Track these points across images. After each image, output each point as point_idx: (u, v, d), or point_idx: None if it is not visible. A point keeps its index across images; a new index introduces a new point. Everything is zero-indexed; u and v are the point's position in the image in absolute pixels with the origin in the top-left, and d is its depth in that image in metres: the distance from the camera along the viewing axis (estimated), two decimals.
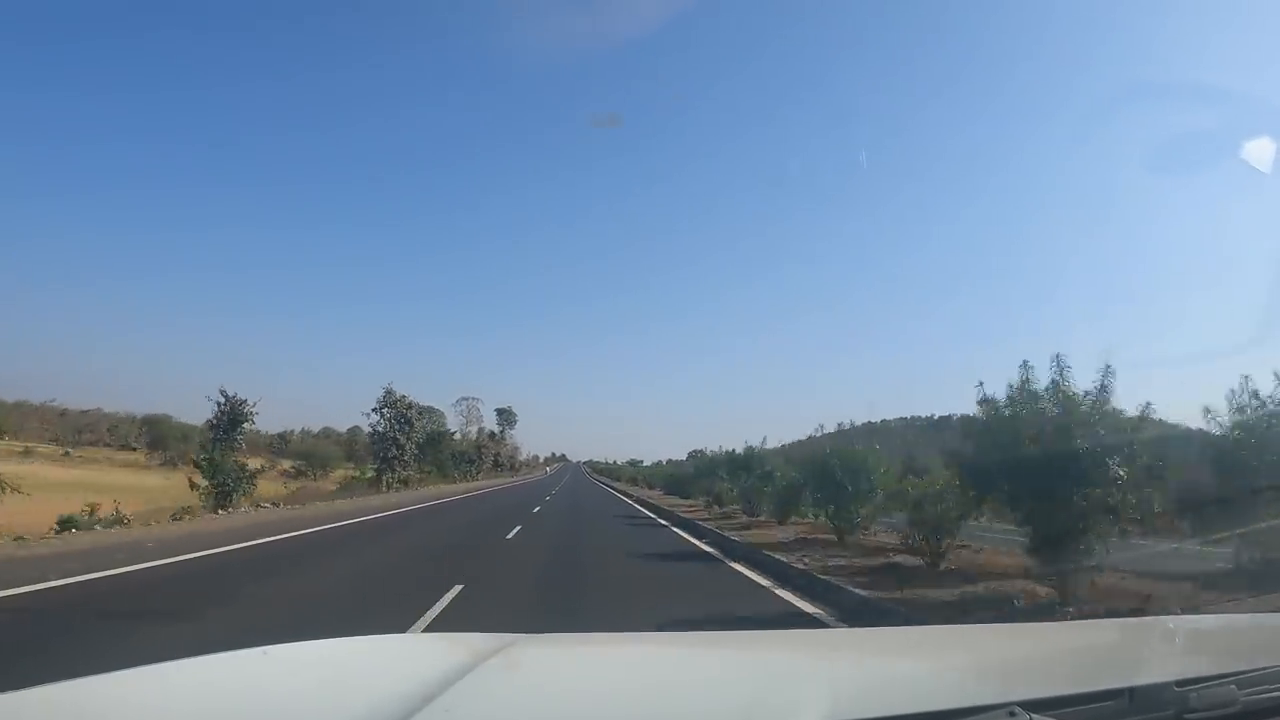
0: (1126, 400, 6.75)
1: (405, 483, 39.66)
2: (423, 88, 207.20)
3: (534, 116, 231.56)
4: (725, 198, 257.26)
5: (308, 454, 69.53)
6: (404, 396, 39.16)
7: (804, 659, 1.78)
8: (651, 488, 49.51)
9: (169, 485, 24.93)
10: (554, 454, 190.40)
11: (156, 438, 74.22)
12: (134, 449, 74.69)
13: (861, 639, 2.96)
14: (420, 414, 39.19)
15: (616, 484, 64.10)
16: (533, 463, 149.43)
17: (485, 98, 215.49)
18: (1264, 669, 1.27)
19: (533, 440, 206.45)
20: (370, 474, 41.45)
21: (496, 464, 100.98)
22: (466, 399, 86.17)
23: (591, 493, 44.55)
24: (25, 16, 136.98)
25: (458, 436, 79.66)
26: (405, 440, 38.21)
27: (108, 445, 77.37)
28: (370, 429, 38.97)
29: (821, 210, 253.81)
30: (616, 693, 1.31)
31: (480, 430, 74.10)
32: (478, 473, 69.43)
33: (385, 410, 39.14)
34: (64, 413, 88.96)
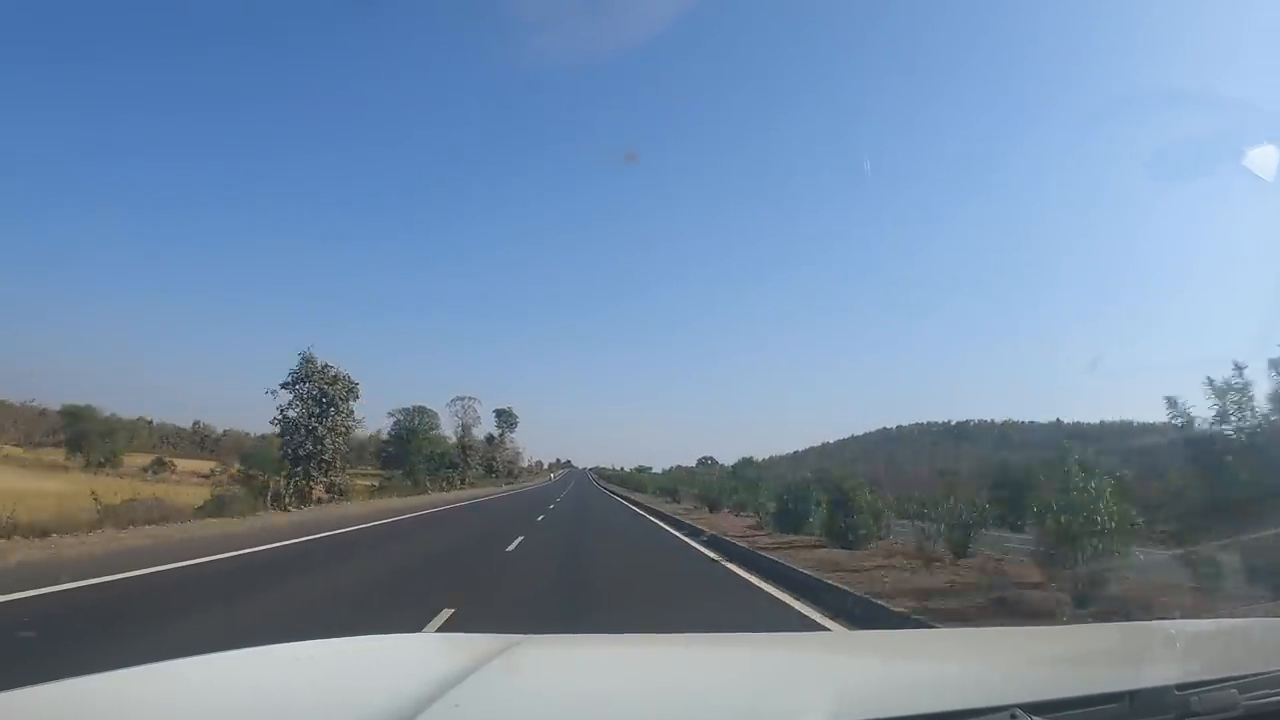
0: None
1: (340, 491, 26.56)
2: (428, 104, 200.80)
3: (542, 128, 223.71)
4: (733, 205, 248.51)
5: (250, 456, 56.29)
6: (328, 366, 25.87)
7: (806, 661, 1.77)
8: (712, 508, 25.86)
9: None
10: (559, 460, 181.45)
11: (77, 434, 61.30)
12: (46, 445, 62.36)
13: (864, 641, 3.01)
14: (349, 389, 25.80)
15: (637, 497, 42.03)
16: (536, 469, 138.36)
17: (492, 111, 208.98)
18: (1266, 673, 1.26)
19: (538, 447, 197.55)
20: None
21: (491, 469, 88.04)
22: (462, 398, 75.91)
23: (613, 523, 24.30)
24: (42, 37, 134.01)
25: (451, 439, 72.56)
26: (324, 431, 24.81)
27: (41, 445, 65.86)
28: (279, 413, 25.60)
29: (827, 217, 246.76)
30: (620, 693, 1.30)
31: (466, 429, 60.80)
32: (462, 480, 56.28)
33: (301, 386, 25.76)
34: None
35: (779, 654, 1.87)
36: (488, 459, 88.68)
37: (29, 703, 0.98)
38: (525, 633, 1.55)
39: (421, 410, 72.56)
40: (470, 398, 75.31)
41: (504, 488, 58.33)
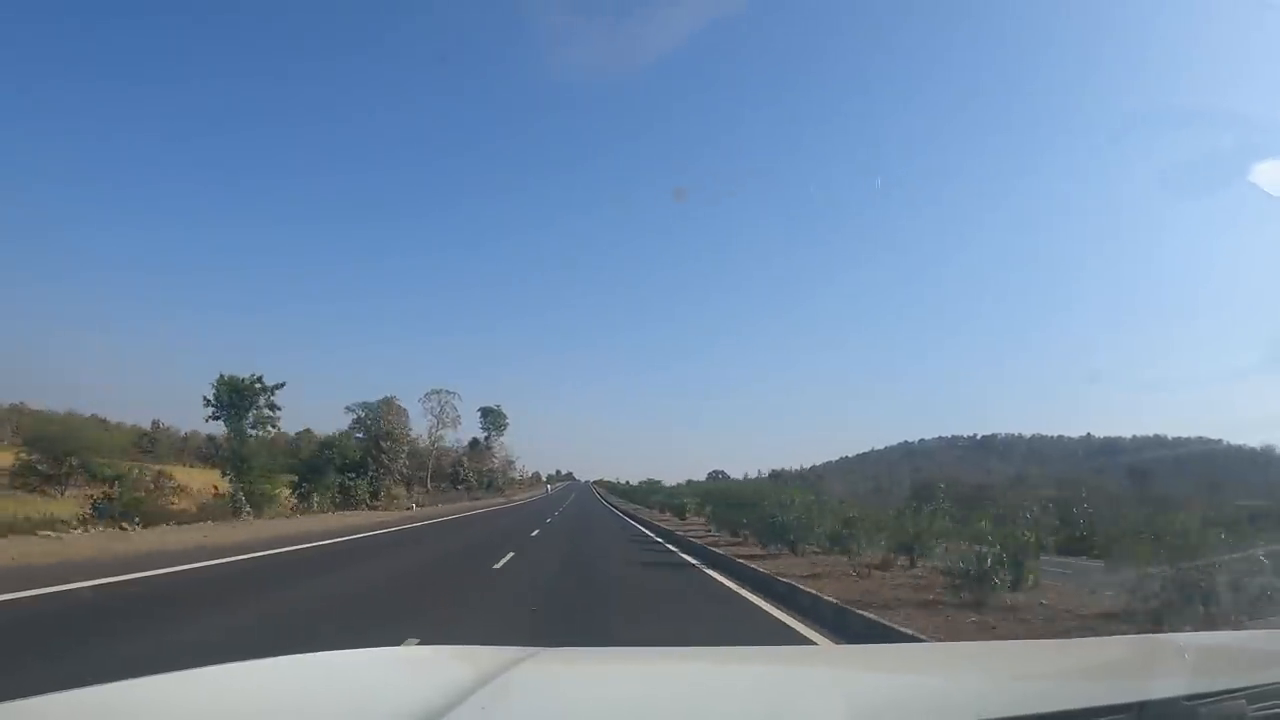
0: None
1: None
2: (459, 121, 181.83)
3: (566, 144, 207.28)
4: (752, 221, 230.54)
5: (51, 440, 33.35)
6: None
7: (816, 675, 1.74)
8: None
9: None
10: (559, 471, 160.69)
11: None
12: None
13: (870, 655, 2.95)
14: None
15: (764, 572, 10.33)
16: (532, 480, 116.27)
17: (512, 124, 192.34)
18: (1274, 684, 1.26)
19: (539, 459, 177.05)
20: None
21: (459, 481, 64.95)
22: (439, 391, 60.30)
23: None
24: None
25: (423, 440, 56.85)
26: None
27: None
28: None
29: (845, 233, 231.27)
30: (635, 708, 1.29)
31: (378, 415, 37.49)
32: (373, 494, 33.24)
33: None
34: None
35: (789, 669, 1.89)
36: (454, 466, 65.94)
37: (45, 710, 0.99)
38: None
39: (388, 404, 51.33)
40: (449, 391, 59.94)
41: (414, 511, 33.78)
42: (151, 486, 22.19)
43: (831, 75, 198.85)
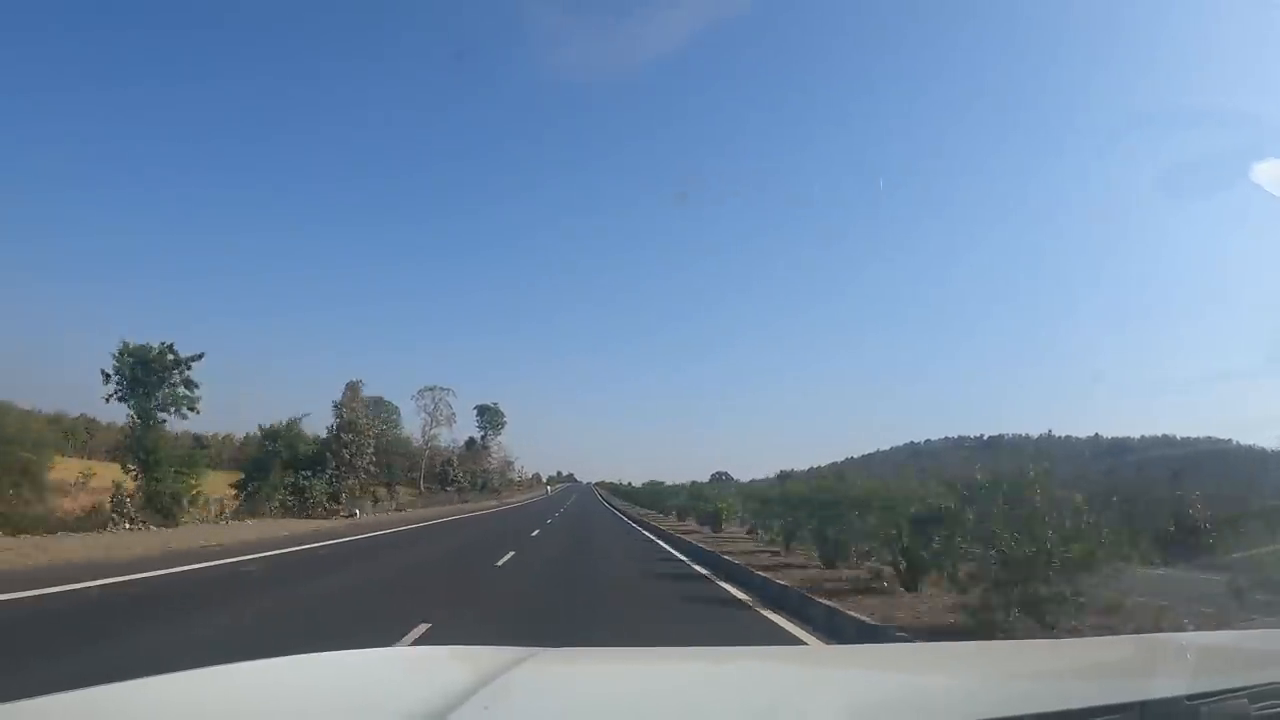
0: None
1: None
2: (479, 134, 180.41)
3: (574, 146, 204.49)
4: (751, 226, 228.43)
5: None
6: None
7: (814, 675, 1.72)
8: None
9: None
10: (559, 473, 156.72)
11: None
12: None
13: (873, 655, 2.93)
14: None
15: None
16: (530, 482, 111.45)
17: (527, 128, 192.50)
18: (1275, 683, 1.25)
19: (540, 459, 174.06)
20: None
21: (448, 481, 59.11)
22: (432, 388, 59.16)
23: None
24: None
25: (416, 440, 56.43)
26: None
27: None
28: None
29: (851, 237, 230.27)
30: (630, 709, 1.28)
31: (345, 403, 31.71)
32: (334, 497, 27.41)
33: None
34: None
35: (785, 668, 1.90)
36: (443, 465, 60.16)
37: (45, 711, 0.98)
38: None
39: (380, 403, 46.62)
40: (443, 388, 58.45)
41: (358, 519, 27.74)
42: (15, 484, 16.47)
43: (836, 76, 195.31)
